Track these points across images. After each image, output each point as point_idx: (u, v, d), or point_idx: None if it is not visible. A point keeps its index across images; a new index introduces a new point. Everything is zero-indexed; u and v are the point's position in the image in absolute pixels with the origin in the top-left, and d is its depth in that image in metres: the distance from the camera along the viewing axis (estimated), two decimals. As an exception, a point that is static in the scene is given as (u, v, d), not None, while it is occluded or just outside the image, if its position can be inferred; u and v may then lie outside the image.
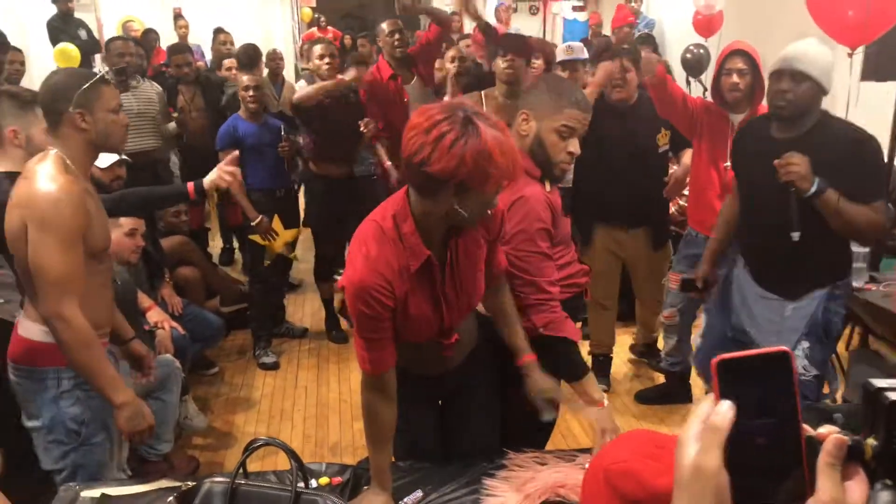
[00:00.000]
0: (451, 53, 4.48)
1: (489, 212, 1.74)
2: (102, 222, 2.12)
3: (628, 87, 3.54)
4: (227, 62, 6.15)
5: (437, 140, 1.55)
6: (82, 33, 7.49)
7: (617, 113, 3.54)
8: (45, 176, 1.98)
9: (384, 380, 1.83)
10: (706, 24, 5.96)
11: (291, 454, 1.52)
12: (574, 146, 2.13)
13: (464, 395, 2.17)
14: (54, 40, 7.00)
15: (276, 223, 4.30)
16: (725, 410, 0.68)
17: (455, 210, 1.65)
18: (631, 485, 1.13)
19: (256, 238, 4.29)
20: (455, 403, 2.19)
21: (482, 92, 3.69)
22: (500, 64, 3.59)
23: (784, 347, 0.70)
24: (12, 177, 2.26)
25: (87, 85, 2.06)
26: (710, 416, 0.69)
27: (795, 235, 2.58)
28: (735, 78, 3.15)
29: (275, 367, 4.36)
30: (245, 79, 4.41)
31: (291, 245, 4.51)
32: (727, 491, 0.67)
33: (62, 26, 7.34)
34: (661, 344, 3.98)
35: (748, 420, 0.69)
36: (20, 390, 2.14)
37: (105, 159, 3.58)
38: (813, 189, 2.46)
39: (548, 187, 2.17)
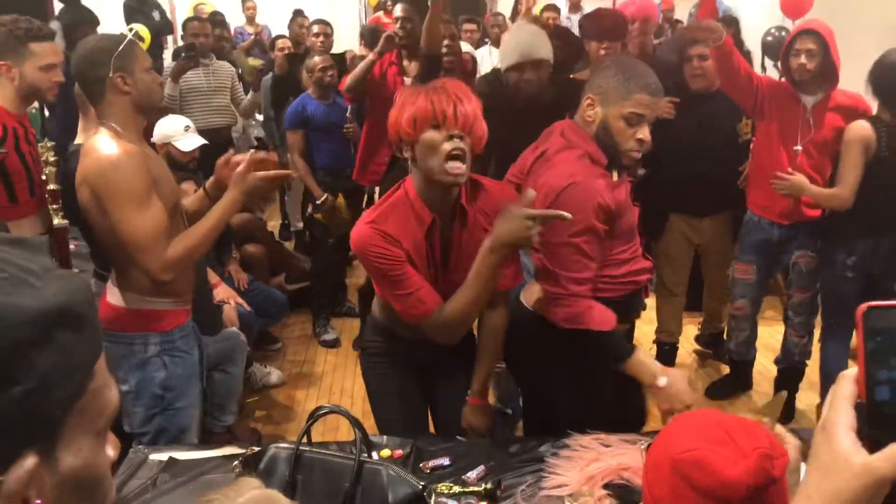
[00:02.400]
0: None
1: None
2: (168, 180, 2.15)
3: (707, 74, 3.44)
4: (279, 42, 6.16)
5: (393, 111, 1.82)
6: (156, 14, 7.65)
7: (696, 102, 3.44)
8: (101, 146, 2.01)
9: (443, 313, 1.90)
10: (795, 6, 5.73)
11: (356, 423, 1.52)
12: (643, 133, 2.00)
13: (453, 370, 2.17)
14: (129, 20, 7.17)
15: (340, 202, 4.33)
16: None
17: (417, 167, 1.83)
18: (704, 475, 1.08)
19: (320, 216, 4.33)
20: (445, 379, 2.19)
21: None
22: (597, 49, 3.49)
23: None
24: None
25: (122, 47, 2.04)
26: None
27: None
28: (803, 59, 3.04)
29: (335, 344, 4.40)
30: (318, 59, 4.43)
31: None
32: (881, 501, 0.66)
33: (137, 6, 7.51)
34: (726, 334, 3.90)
35: (891, 372, 0.66)
36: (109, 355, 2.20)
37: (188, 143, 3.65)
38: None
39: (614, 177, 2.08)
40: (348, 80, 4.00)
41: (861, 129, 3.00)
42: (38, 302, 0.57)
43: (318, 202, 4.28)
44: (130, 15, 7.33)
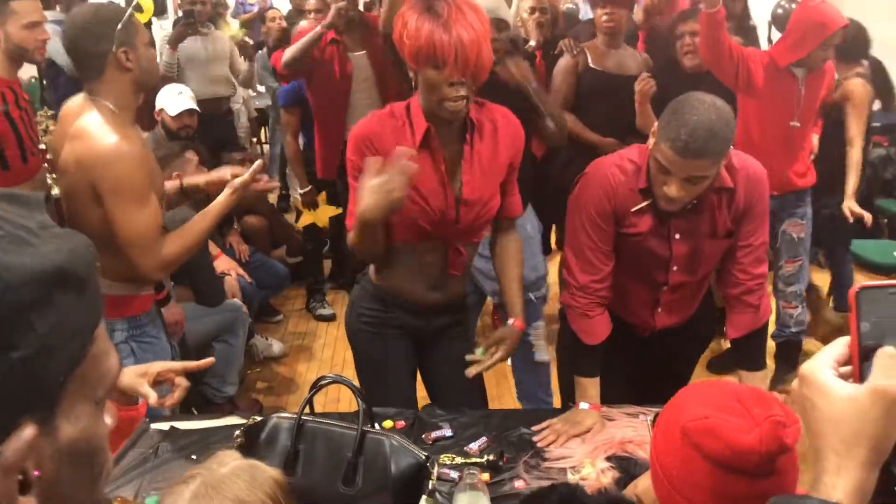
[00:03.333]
0: (528, 3, 4.20)
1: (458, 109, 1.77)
2: (158, 171, 2.08)
3: (700, 51, 3.37)
4: (270, 13, 6.06)
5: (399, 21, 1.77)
6: None
7: (690, 80, 3.38)
8: (97, 131, 1.89)
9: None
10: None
11: (358, 392, 1.50)
12: (672, 190, 1.78)
13: (449, 339, 2.12)
14: None
15: (322, 198, 4.25)
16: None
17: (421, 97, 1.81)
18: (716, 443, 1.06)
19: (301, 206, 4.29)
20: (441, 348, 2.13)
21: (585, 45, 3.51)
22: (601, 15, 3.39)
23: None
24: None
25: (124, 19, 1.91)
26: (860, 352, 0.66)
27: None
28: None
29: (332, 318, 4.38)
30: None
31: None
32: None
33: None
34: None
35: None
36: None
37: (175, 106, 3.60)
38: None
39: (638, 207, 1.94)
40: (286, 54, 3.64)
41: (866, 88, 3.22)
42: (37, 261, 0.54)
43: (301, 192, 4.21)
44: None
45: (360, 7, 3.88)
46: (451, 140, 1.89)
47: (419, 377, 2.21)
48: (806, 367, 0.70)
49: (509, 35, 2.64)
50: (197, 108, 3.74)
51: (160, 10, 7.42)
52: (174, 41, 4.37)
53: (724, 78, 3.23)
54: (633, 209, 1.92)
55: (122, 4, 2.08)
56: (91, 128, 1.90)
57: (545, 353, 2.97)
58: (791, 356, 3.49)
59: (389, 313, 2.05)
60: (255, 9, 8.26)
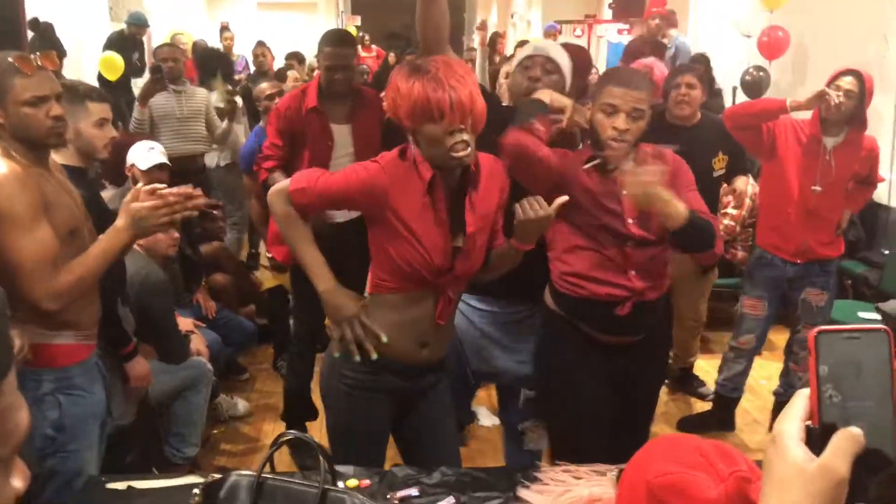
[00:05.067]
0: (505, 69, 4.27)
1: (458, 157, 1.82)
2: (66, 204, 2.03)
3: (691, 104, 3.48)
4: (291, 74, 6.17)
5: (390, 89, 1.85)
6: (135, 56, 7.65)
7: (675, 132, 3.48)
8: None
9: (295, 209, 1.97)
10: (771, 47, 5.88)
11: (321, 450, 1.47)
12: (619, 122, 2.14)
13: (430, 399, 2.12)
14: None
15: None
16: (859, 432, 0.65)
17: (420, 151, 1.87)
18: (680, 499, 1.05)
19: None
20: (420, 408, 2.12)
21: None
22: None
23: (884, 326, 0.66)
24: (68, 169, 2.25)
25: None
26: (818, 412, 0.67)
27: None
28: (842, 97, 3.08)
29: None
30: (265, 86, 4.37)
31: None
32: (843, 500, 0.65)
33: (119, 43, 7.47)
34: (705, 367, 3.90)
35: (844, 401, 0.65)
36: None
37: (146, 161, 3.60)
38: None
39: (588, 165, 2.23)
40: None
41: None
42: None
43: (269, 255, 4.13)
44: (110, 48, 7.33)
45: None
46: (452, 186, 1.94)
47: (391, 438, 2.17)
48: (776, 426, 0.71)
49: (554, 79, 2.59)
50: (168, 163, 3.74)
51: (138, 71, 7.51)
52: (142, 98, 4.40)
53: (757, 152, 3.39)
54: (585, 167, 2.21)
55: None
56: None
57: (536, 444, 2.93)
58: None
59: (376, 376, 2.01)
60: (240, 68, 8.38)
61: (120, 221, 1.99)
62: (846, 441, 0.64)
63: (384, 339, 1.94)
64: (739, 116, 3.33)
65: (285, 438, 1.52)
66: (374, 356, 1.93)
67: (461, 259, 1.95)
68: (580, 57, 3.54)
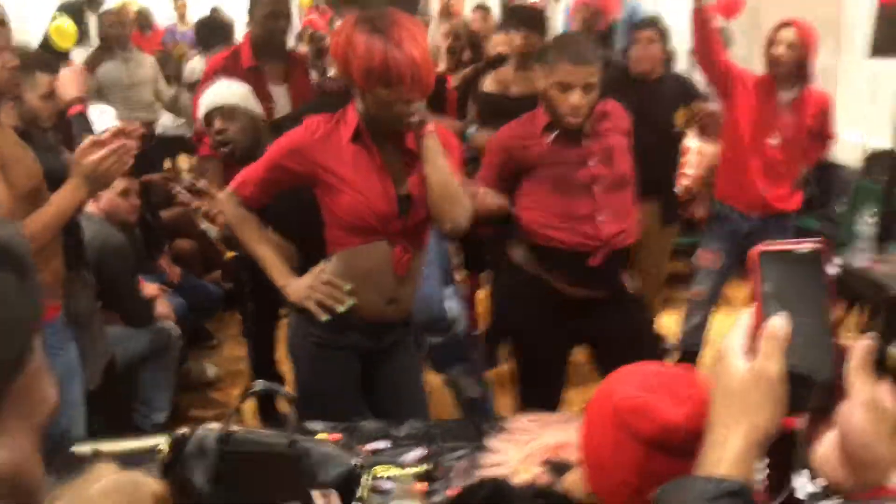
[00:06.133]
0: (443, 29, 4.28)
1: (410, 120, 1.82)
2: (24, 161, 1.99)
3: (651, 60, 3.50)
4: None
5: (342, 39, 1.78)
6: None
7: (636, 87, 3.50)
8: None
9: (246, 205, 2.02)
10: (728, 7, 5.89)
11: (290, 398, 1.48)
12: (574, 98, 2.18)
13: (396, 355, 2.15)
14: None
15: None
16: (782, 322, 0.67)
17: (365, 110, 1.85)
18: (645, 422, 1.09)
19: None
20: (387, 364, 2.16)
21: (495, 70, 3.56)
22: (516, 39, 3.47)
23: (820, 243, 0.68)
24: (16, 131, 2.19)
25: None
26: (763, 327, 0.68)
27: None
28: (782, 49, 3.12)
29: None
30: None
31: None
32: (783, 399, 0.67)
33: (74, 10, 7.22)
34: (667, 323, 3.97)
35: (785, 314, 0.67)
36: None
37: (98, 125, 3.53)
38: None
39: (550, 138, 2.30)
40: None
41: None
42: None
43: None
44: (63, 13, 7.07)
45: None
46: (392, 140, 1.92)
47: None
48: (723, 342, 0.73)
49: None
50: (118, 123, 3.67)
51: (82, 37, 7.28)
52: (89, 64, 4.30)
53: (711, 76, 3.37)
54: (548, 140, 2.29)
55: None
56: None
57: (475, 388, 2.98)
58: None
59: (341, 334, 2.03)
60: (188, 37, 8.17)
61: (72, 179, 1.95)
62: (770, 341, 0.67)
63: (346, 287, 1.94)
64: (696, 50, 3.38)
65: (254, 389, 1.52)
66: (340, 308, 1.94)
67: (412, 210, 1.95)
68: (538, 18, 3.57)
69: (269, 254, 2.04)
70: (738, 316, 0.73)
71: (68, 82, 2.47)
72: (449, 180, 1.92)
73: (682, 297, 4.40)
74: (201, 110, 2.47)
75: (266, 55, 3.19)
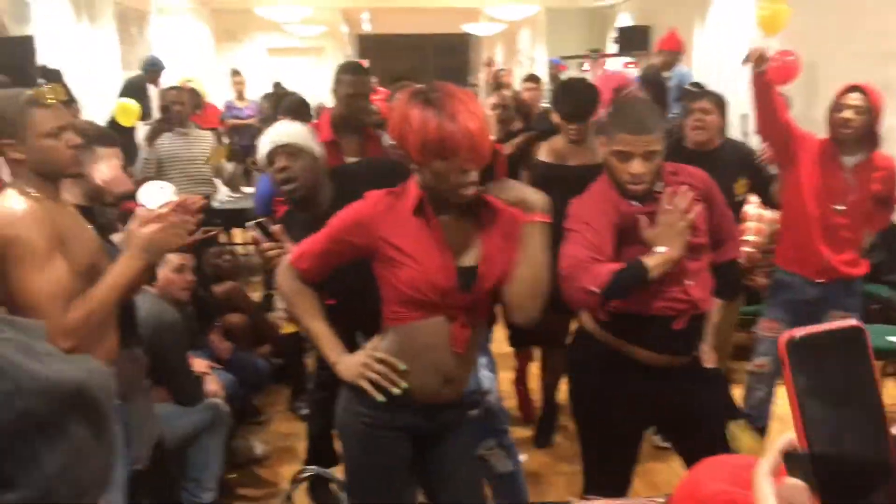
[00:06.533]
0: (492, 100, 4.30)
1: (465, 192, 1.79)
2: (81, 239, 2.00)
3: (708, 130, 3.43)
4: None
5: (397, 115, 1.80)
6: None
7: (694, 158, 3.42)
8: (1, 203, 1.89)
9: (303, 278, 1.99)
10: (786, 70, 5.82)
11: (341, 485, 1.39)
12: (635, 167, 2.13)
13: (450, 439, 2.03)
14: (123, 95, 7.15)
15: None
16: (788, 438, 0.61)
17: (423, 183, 1.83)
18: None
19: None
20: (440, 448, 2.04)
21: (548, 141, 3.52)
22: (565, 125, 3.39)
23: (855, 322, 0.59)
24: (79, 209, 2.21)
25: (9, 111, 1.90)
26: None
27: None
28: (848, 114, 3.02)
29: (313, 417, 4.20)
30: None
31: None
32: None
33: (137, 89, 7.47)
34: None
35: (827, 409, 0.57)
36: None
37: (155, 201, 3.57)
38: None
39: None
40: None
41: None
42: (53, 373, 0.43)
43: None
44: (126, 94, 7.34)
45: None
46: (455, 212, 1.88)
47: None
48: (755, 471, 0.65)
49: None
50: (174, 199, 3.71)
51: (145, 115, 7.54)
52: (149, 138, 4.41)
53: (773, 145, 3.28)
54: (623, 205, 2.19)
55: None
56: None
57: (507, 463, 2.85)
58: None
59: (393, 414, 1.94)
60: (245, 114, 8.44)
61: (127, 251, 1.95)
62: (794, 489, 0.60)
63: (402, 366, 1.87)
64: (757, 116, 3.26)
65: (305, 475, 1.44)
66: (396, 391, 1.86)
67: (475, 281, 1.88)
68: (594, 91, 3.53)
69: (322, 329, 1.98)
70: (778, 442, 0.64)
71: (111, 180, 2.47)
72: (541, 276, 1.88)
73: (744, 369, 4.22)
74: (263, 148, 2.45)
75: (344, 130, 3.32)
